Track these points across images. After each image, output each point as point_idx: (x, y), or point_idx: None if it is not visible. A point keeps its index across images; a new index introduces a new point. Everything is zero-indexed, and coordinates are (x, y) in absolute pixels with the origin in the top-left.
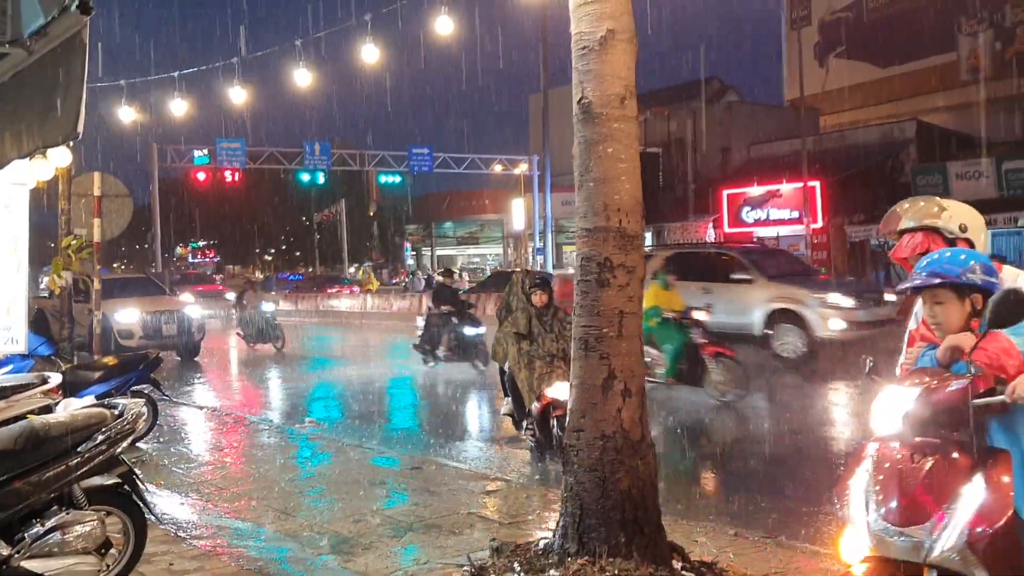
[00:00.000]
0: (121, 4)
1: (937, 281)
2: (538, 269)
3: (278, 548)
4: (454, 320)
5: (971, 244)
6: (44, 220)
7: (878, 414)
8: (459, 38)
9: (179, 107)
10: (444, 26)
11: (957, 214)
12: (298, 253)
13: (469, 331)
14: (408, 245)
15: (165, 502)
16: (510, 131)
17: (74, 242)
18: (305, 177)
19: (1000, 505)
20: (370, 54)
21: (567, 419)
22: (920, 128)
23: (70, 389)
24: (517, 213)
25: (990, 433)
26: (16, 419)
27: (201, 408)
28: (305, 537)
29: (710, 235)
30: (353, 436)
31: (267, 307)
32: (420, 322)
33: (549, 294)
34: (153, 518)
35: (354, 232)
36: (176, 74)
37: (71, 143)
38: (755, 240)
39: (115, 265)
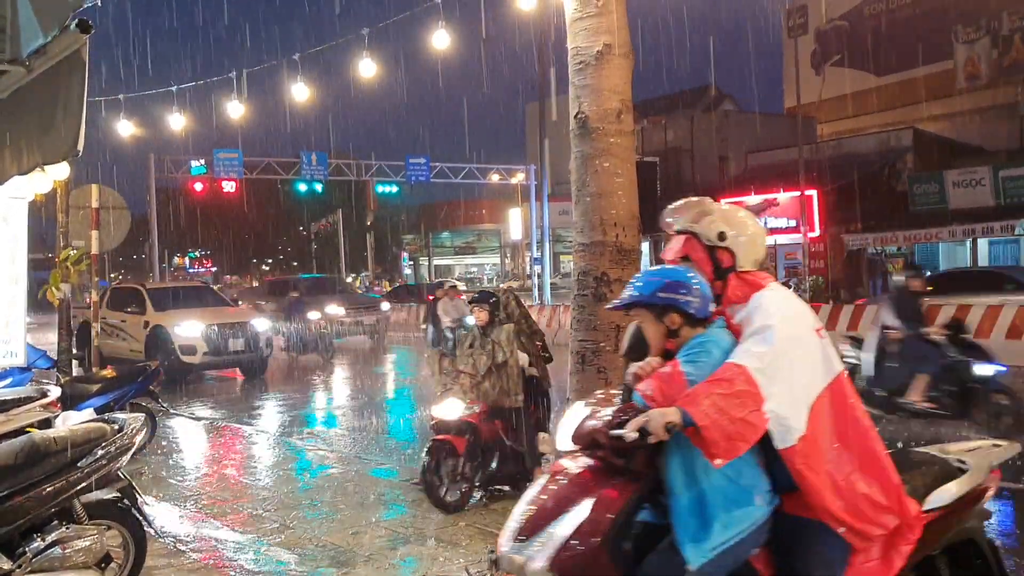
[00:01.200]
0: (118, 17)
1: (627, 300)
2: (515, 284)
3: (277, 560)
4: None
5: (731, 254)
6: (42, 232)
7: (561, 430)
8: (456, 48)
9: (177, 120)
10: (441, 39)
11: (719, 220)
12: (295, 263)
13: None
14: (405, 255)
15: (164, 515)
16: (507, 141)
17: (72, 254)
18: (302, 187)
19: (593, 528)
20: (367, 67)
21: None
22: (917, 136)
23: (69, 402)
24: (514, 223)
25: (670, 471)
26: (16, 433)
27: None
28: (303, 550)
29: None
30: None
31: (315, 316)
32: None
33: (489, 311)
34: (152, 532)
35: (351, 242)
36: (174, 88)
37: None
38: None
39: (112, 276)
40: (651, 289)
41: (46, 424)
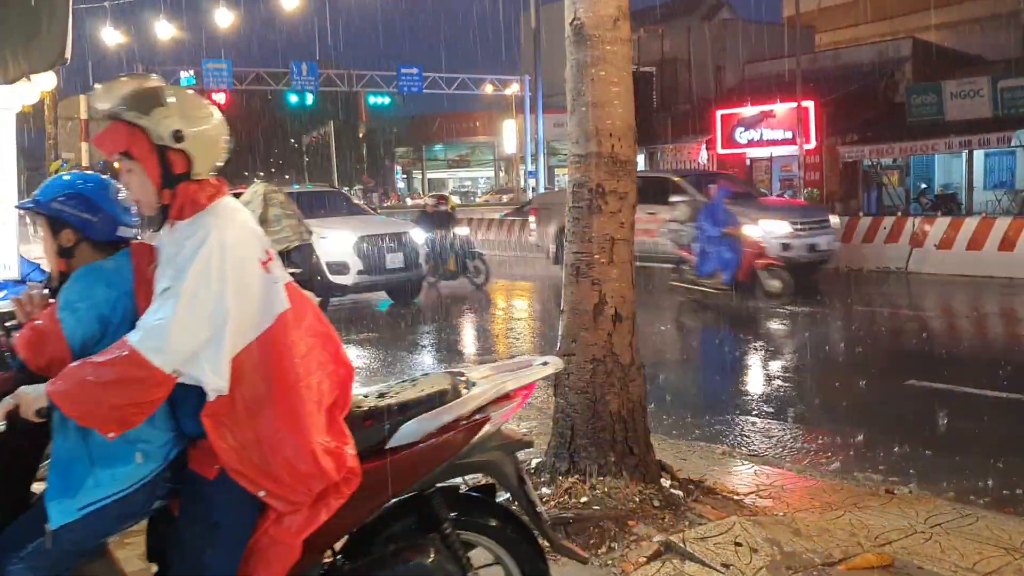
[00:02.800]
0: None
1: (25, 204)
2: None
3: None
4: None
5: (187, 157)
6: (31, 144)
7: None
8: None
9: (165, 28)
10: None
11: (176, 116)
12: (287, 176)
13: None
14: (398, 168)
15: None
16: (501, 51)
17: (63, 167)
18: (293, 99)
19: None
20: None
21: (558, 343)
22: (916, 46)
23: None
24: (508, 135)
25: (52, 420)
26: None
27: None
28: None
29: (703, 156)
30: None
31: (462, 231)
32: None
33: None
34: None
35: (343, 155)
36: None
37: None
38: None
39: None
40: (50, 194)
41: None
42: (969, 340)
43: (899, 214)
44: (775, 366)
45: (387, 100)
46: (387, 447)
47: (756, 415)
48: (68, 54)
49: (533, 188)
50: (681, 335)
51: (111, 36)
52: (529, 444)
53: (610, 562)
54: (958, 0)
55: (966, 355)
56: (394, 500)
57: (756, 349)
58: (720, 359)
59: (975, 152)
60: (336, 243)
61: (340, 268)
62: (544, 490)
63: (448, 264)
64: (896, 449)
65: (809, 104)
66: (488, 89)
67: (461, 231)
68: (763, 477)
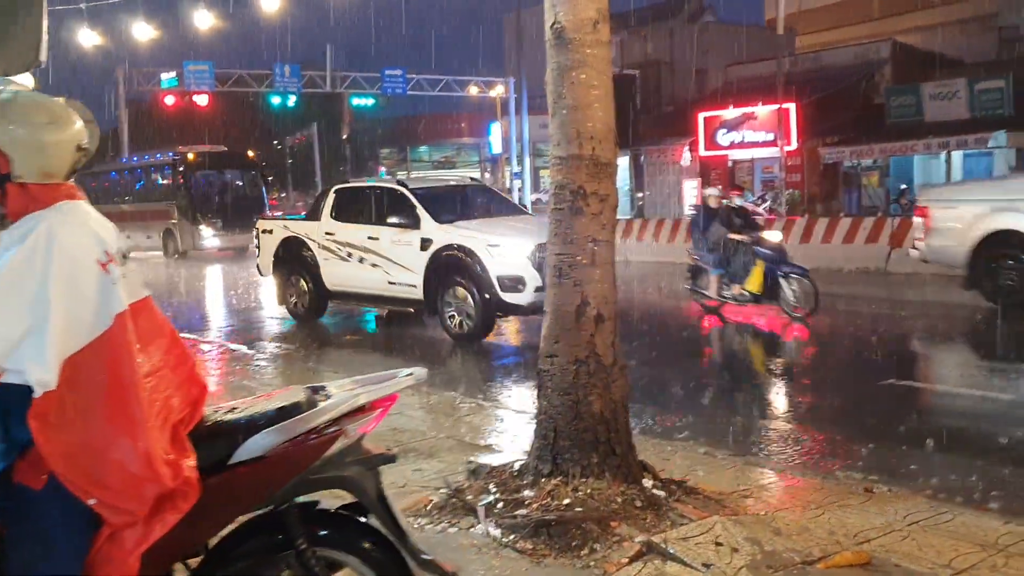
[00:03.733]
0: None
1: None
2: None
3: None
4: None
5: (5, 157)
6: None
7: None
8: None
9: (144, 30)
10: None
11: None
12: (270, 178)
13: None
14: (383, 169)
15: None
16: (487, 53)
17: None
18: (276, 100)
19: None
20: None
21: (541, 344)
22: (895, 49)
23: None
24: (494, 136)
25: None
26: None
27: None
28: None
29: (686, 158)
30: None
31: (773, 236)
32: None
33: None
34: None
35: (327, 156)
36: None
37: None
38: None
39: None
40: None
41: None
42: (934, 339)
43: (879, 215)
44: (760, 366)
45: (371, 102)
46: (231, 462)
47: (742, 415)
48: (44, 55)
49: (519, 189)
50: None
51: (89, 37)
52: (392, 459)
53: (592, 563)
54: (937, 3)
55: (941, 354)
56: (248, 515)
57: (741, 352)
58: (696, 359)
59: (953, 153)
60: (511, 253)
61: (515, 284)
62: (527, 492)
63: (748, 282)
64: (875, 447)
65: (790, 106)
66: (473, 91)
67: (772, 236)
68: (745, 476)
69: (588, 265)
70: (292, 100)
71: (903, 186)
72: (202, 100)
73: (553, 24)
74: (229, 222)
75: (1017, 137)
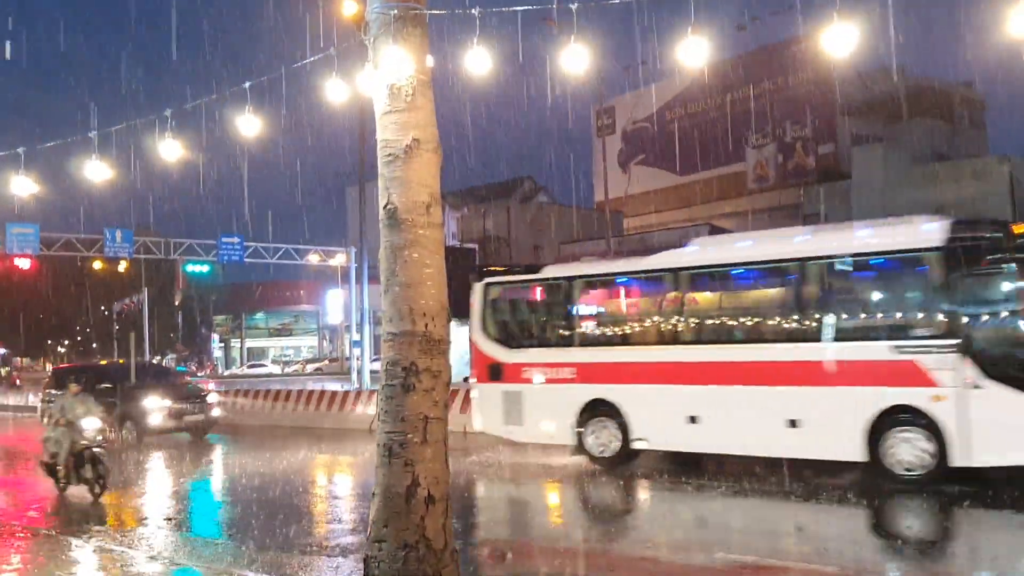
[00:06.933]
0: None
1: None
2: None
3: None
4: None
5: None
6: None
7: None
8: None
9: None
10: (251, 126)
11: None
12: (95, 345)
13: None
14: (216, 336)
15: None
16: (329, 222)
17: None
18: (104, 265)
19: None
20: (171, 149)
21: (369, 529)
22: (712, 231)
23: None
24: (333, 304)
25: None
26: None
27: None
28: None
29: None
30: None
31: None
32: None
33: None
34: None
35: (158, 322)
36: None
37: None
38: None
39: None
40: None
41: None
42: None
43: None
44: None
45: (206, 268)
46: None
47: None
48: None
49: (358, 358)
50: None
51: None
52: None
53: None
54: (747, 192)
55: None
56: None
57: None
58: None
59: None
60: None
61: None
62: None
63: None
64: None
65: None
66: (313, 259)
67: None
68: None
69: (420, 444)
70: (123, 265)
71: None
72: (24, 264)
73: (386, 205)
74: None
75: None
